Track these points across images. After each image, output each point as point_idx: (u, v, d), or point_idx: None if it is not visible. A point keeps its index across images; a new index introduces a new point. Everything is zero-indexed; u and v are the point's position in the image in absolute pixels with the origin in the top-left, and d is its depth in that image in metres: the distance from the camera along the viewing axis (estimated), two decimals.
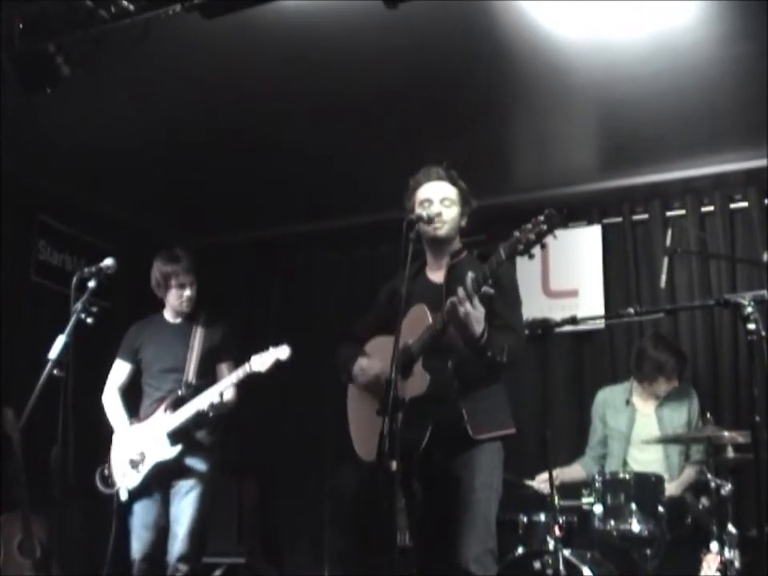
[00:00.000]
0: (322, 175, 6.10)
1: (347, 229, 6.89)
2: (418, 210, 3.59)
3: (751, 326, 3.47)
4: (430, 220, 3.54)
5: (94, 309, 3.54)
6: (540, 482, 4.90)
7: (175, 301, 4.86)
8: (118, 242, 6.33)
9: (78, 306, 3.53)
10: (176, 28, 4.08)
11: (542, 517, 4.68)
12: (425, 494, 3.62)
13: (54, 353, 3.41)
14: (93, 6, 3.74)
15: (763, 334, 3.48)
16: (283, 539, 6.40)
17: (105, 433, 4.82)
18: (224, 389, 4.56)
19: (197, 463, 4.66)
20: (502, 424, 3.56)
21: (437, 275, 3.69)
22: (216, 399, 4.52)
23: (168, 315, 4.95)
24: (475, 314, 3.24)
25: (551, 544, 4.41)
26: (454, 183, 3.69)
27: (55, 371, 3.37)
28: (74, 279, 3.60)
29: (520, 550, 4.61)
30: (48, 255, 6.30)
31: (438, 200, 3.64)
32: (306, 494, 6.55)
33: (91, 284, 3.65)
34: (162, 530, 4.61)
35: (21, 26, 3.88)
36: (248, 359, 4.56)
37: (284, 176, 6.06)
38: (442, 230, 3.61)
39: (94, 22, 3.80)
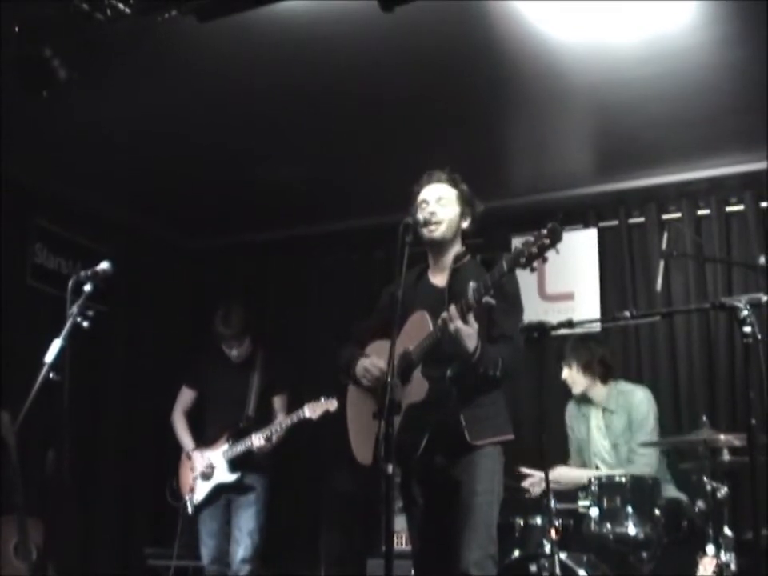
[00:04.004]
0: (319, 178, 6.10)
1: (344, 232, 6.89)
2: (418, 214, 3.59)
3: (747, 330, 3.46)
4: (426, 222, 3.54)
5: (90, 312, 3.52)
6: (534, 483, 4.89)
7: (225, 352, 5.48)
8: (115, 246, 6.32)
9: (74, 309, 3.51)
10: (173, 30, 4.08)
11: (538, 520, 4.68)
12: (425, 499, 3.62)
13: (49, 356, 3.39)
14: (89, 9, 3.74)
15: (759, 337, 3.47)
16: (280, 541, 6.38)
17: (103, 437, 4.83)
18: (275, 433, 5.19)
19: (255, 481, 5.33)
20: (500, 430, 3.57)
21: (439, 278, 3.69)
22: (262, 443, 5.17)
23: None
24: (467, 330, 3.25)
25: (547, 547, 4.42)
26: (454, 185, 3.69)
27: (51, 375, 3.36)
28: (70, 282, 3.59)
29: (516, 553, 4.61)
30: (44, 258, 6.28)
31: (434, 200, 3.64)
32: (303, 495, 6.55)
33: (87, 287, 3.63)
34: (224, 538, 5.33)
35: (17, 29, 3.87)
36: (301, 407, 5.14)
37: (281, 179, 6.05)
38: (437, 231, 3.61)
39: (91, 25, 3.79)
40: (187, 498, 5.33)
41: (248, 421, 5.32)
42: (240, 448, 5.23)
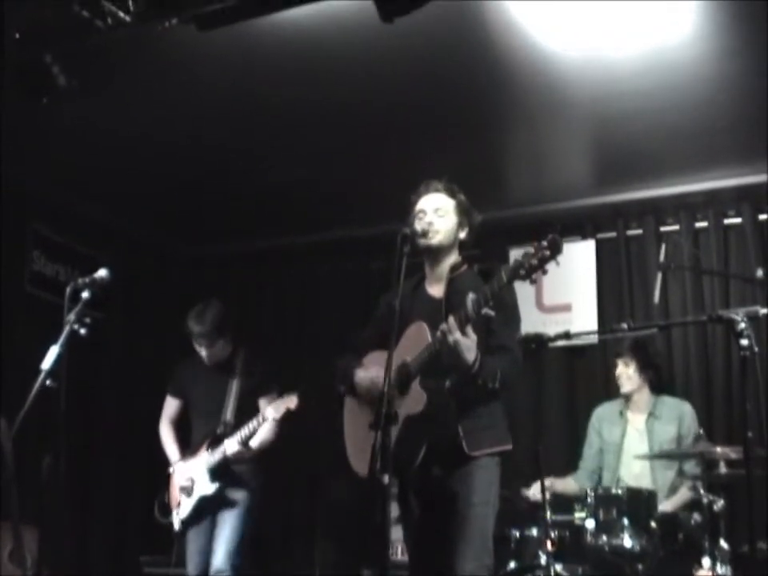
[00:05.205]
0: (317, 188, 6.10)
1: (341, 242, 6.89)
2: (415, 224, 3.59)
3: (744, 342, 3.47)
4: (423, 233, 3.55)
5: (88, 320, 3.52)
6: (535, 492, 4.87)
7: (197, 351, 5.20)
8: (113, 253, 6.32)
9: (72, 316, 3.51)
10: (173, 38, 4.09)
11: (534, 531, 4.67)
12: (422, 509, 3.61)
13: (46, 363, 3.39)
14: (89, 17, 3.75)
15: (756, 349, 3.48)
16: (274, 549, 6.37)
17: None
18: (243, 438, 4.87)
19: (237, 494, 5.02)
20: (498, 440, 3.55)
21: (436, 289, 3.68)
22: (236, 448, 4.88)
23: None
24: (466, 342, 3.24)
25: (543, 559, 4.41)
26: (452, 195, 3.69)
27: (48, 381, 3.35)
28: (68, 290, 3.59)
29: (512, 565, 4.60)
30: (42, 265, 6.28)
31: (432, 210, 3.65)
32: (299, 503, 6.53)
33: (85, 295, 3.63)
34: (211, 554, 5.00)
35: (18, 35, 3.88)
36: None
37: (279, 188, 6.06)
38: (434, 239, 3.61)
39: (90, 32, 3.81)
40: (174, 513, 5.08)
41: (226, 427, 5.03)
42: (217, 456, 4.93)
